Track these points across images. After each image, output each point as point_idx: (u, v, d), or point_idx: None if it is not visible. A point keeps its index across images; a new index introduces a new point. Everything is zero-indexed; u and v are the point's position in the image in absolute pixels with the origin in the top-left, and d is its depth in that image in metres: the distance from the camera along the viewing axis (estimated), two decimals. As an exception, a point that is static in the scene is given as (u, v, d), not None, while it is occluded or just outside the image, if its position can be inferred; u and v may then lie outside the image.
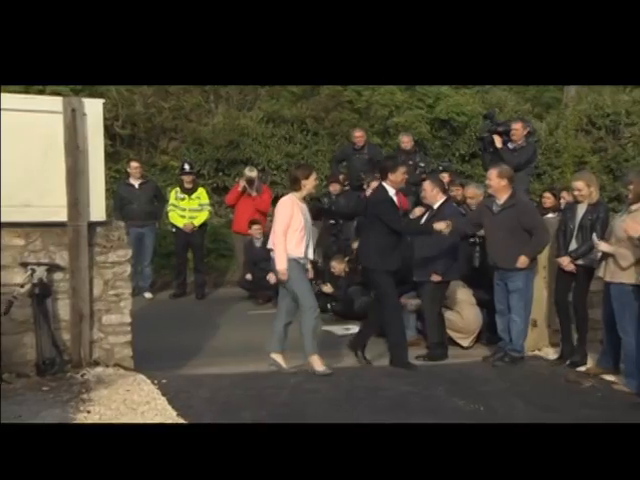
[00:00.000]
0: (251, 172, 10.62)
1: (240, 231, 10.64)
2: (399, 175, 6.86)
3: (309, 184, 6.66)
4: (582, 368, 6.91)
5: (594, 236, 6.46)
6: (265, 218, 10.83)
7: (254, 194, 10.53)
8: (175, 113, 13.26)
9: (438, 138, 13.60)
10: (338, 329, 8.57)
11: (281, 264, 6.48)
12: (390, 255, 6.80)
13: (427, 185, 7.40)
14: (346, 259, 9.15)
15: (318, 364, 6.55)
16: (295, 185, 6.68)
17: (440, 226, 6.75)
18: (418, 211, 7.85)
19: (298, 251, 6.55)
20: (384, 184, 6.92)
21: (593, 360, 6.96)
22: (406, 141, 10.50)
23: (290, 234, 6.49)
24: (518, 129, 8.74)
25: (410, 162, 9.53)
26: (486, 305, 7.71)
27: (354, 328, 8.46)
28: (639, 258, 5.93)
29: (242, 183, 10.58)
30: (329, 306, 9.20)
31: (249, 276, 10.21)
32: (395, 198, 6.91)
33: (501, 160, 7.99)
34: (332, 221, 9.70)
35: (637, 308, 6.02)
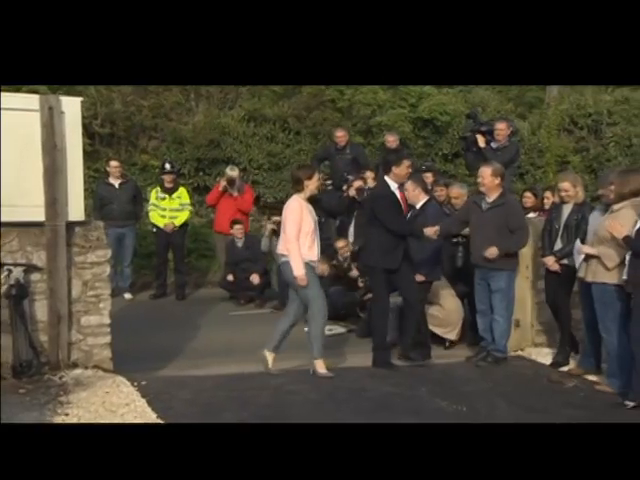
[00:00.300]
0: (232, 171, 10.57)
1: (222, 231, 10.58)
2: (404, 169, 6.84)
3: (312, 184, 6.58)
4: (565, 368, 6.94)
5: (577, 242, 6.47)
6: (247, 218, 10.79)
7: (235, 194, 10.49)
8: (155, 112, 13.17)
9: (421, 137, 13.63)
10: None
11: (298, 270, 6.37)
12: (392, 253, 6.77)
13: (409, 185, 7.39)
14: (333, 262, 9.08)
15: (322, 368, 6.49)
16: (298, 186, 6.60)
17: (430, 232, 6.80)
18: None
19: (311, 254, 6.48)
20: (386, 178, 6.88)
21: (575, 361, 6.98)
22: (391, 140, 10.50)
23: (302, 238, 6.41)
24: (502, 129, 8.77)
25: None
26: (467, 296, 7.72)
27: (337, 329, 8.47)
28: (623, 258, 5.95)
29: (223, 183, 10.53)
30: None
31: (230, 277, 10.17)
32: (397, 193, 6.87)
33: (484, 160, 8.01)
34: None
35: (619, 308, 6.05)
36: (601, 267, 6.14)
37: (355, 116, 13.54)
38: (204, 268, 11.83)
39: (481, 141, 8.68)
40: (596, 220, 6.45)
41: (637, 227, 5.82)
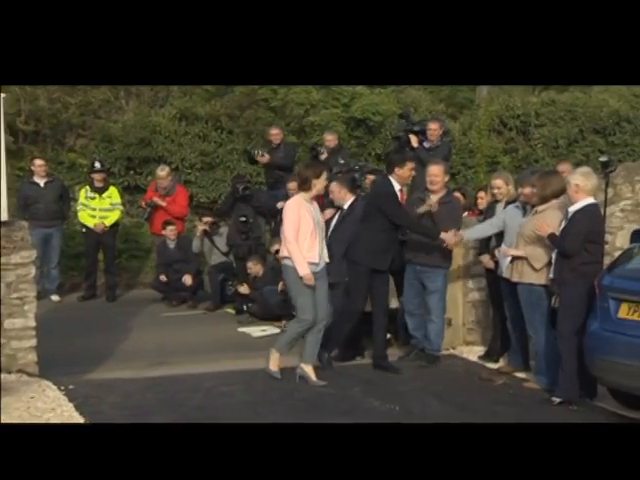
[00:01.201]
0: (162, 171, 10.45)
1: (156, 232, 10.46)
2: (406, 170, 6.75)
3: (319, 184, 6.43)
4: (494, 366, 7.08)
5: (502, 246, 6.57)
6: (182, 221, 10.66)
7: (163, 204, 10.28)
8: (83, 109, 12.90)
9: (354, 137, 13.69)
10: (254, 330, 8.52)
11: (303, 269, 6.18)
12: (384, 254, 6.68)
13: (334, 187, 7.33)
14: (270, 267, 8.94)
15: (311, 372, 6.37)
16: (305, 185, 6.41)
17: (448, 237, 6.67)
18: (328, 213, 7.50)
19: (311, 256, 6.27)
20: (390, 177, 6.78)
21: (505, 359, 7.13)
22: (330, 139, 10.48)
23: (301, 238, 6.23)
24: (435, 129, 8.89)
25: (342, 161, 9.54)
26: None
27: (270, 329, 8.45)
28: (550, 259, 6.09)
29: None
30: (245, 307, 9.14)
31: (163, 277, 10.05)
32: (399, 194, 6.79)
33: (418, 160, 8.10)
34: (243, 218, 9.58)
35: (546, 307, 6.21)
36: (527, 267, 6.26)
37: (288, 115, 13.52)
38: (135, 269, 11.66)
39: (414, 141, 8.77)
40: (514, 219, 6.58)
41: (562, 227, 5.99)
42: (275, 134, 10.57)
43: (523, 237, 6.29)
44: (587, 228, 5.87)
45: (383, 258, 6.70)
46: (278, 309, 8.62)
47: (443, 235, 6.70)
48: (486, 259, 7.10)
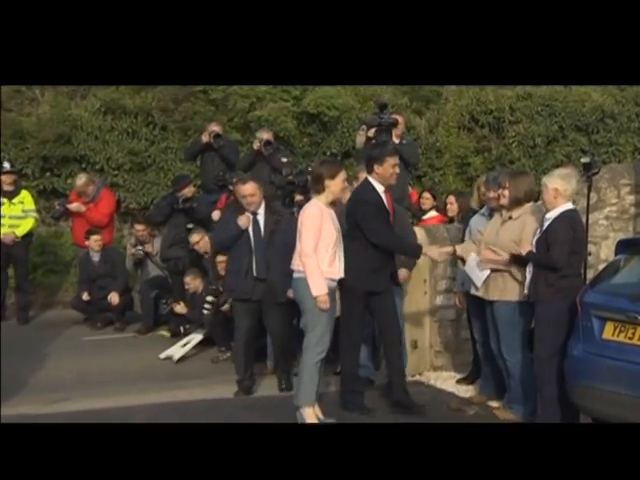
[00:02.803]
0: (79, 180, 10.44)
1: (79, 243, 10.41)
2: (388, 168, 6.35)
3: (335, 186, 6.08)
4: (466, 395, 7.14)
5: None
6: (110, 230, 10.57)
7: (81, 209, 10.21)
8: (-12, 100, 12.73)
9: (306, 135, 13.74)
10: (176, 350, 8.44)
11: (319, 289, 5.90)
12: (377, 272, 6.34)
13: (254, 188, 7.14)
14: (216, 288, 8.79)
15: (312, 417, 6.00)
16: (317, 186, 6.11)
17: (433, 253, 6.53)
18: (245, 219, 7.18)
19: (331, 272, 6.03)
20: (370, 179, 6.45)
21: (476, 387, 7.20)
22: (266, 137, 10.53)
23: (321, 252, 5.97)
24: (402, 123, 8.87)
25: (285, 159, 9.56)
26: None
27: (195, 337, 8.41)
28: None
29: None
30: (182, 330, 9.04)
31: (86, 295, 9.95)
32: (384, 197, 6.43)
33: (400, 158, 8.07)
34: (190, 225, 9.51)
35: (523, 326, 6.27)
36: (511, 282, 6.26)
37: (231, 109, 13.50)
38: (53, 286, 11.58)
39: (396, 136, 8.59)
40: (478, 225, 6.65)
41: (537, 237, 6.05)
42: (215, 131, 10.51)
43: (501, 248, 6.25)
44: (570, 236, 5.90)
45: (376, 277, 6.37)
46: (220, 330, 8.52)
47: (429, 252, 6.55)
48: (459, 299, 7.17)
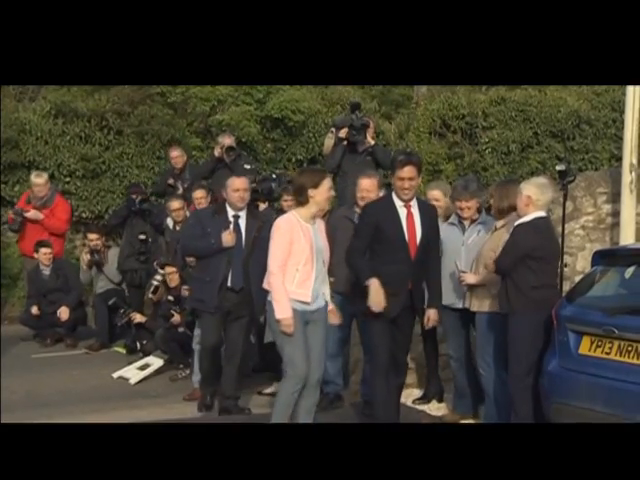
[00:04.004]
0: (38, 177, 10.31)
1: (28, 254, 10.32)
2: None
3: (320, 195, 5.82)
4: (438, 413, 7.16)
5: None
6: (61, 241, 10.50)
7: (39, 217, 10.14)
8: None
9: (270, 140, 13.75)
10: (133, 373, 8.34)
11: (282, 312, 5.64)
12: (389, 297, 5.93)
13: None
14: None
15: None
16: (300, 197, 5.85)
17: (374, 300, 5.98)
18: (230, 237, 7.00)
19: (300, 294, 5.74)
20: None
21: (449, 405, 7.22)
22: (228, 142, 10.53)
23: (290, 269, 5.72)
24: (372, 127, 8.92)
25: (247, 166, 9.55)
26: None
27: (155, 361, 8.31)
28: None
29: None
30: (139, 345, 8.96)
31: (35, 310, 9.87)
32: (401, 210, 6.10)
33: (376, 163, 8.04)
34: (142, 236, 9.48)
35: (501, 339, 6.29)
36: (488, 295, 6.34)
37: (190, 113, 13.49)
38: (-1, 300, 11.44)
39: (370, 138, 8.61)
40: (452, 239, 6.65)
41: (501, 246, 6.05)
42: (176, 157, 10.43)
43: (484, 260, 6.30)
44: (529, 243, 5.88)
45: (390, 301, 5.97)
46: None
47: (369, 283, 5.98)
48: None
